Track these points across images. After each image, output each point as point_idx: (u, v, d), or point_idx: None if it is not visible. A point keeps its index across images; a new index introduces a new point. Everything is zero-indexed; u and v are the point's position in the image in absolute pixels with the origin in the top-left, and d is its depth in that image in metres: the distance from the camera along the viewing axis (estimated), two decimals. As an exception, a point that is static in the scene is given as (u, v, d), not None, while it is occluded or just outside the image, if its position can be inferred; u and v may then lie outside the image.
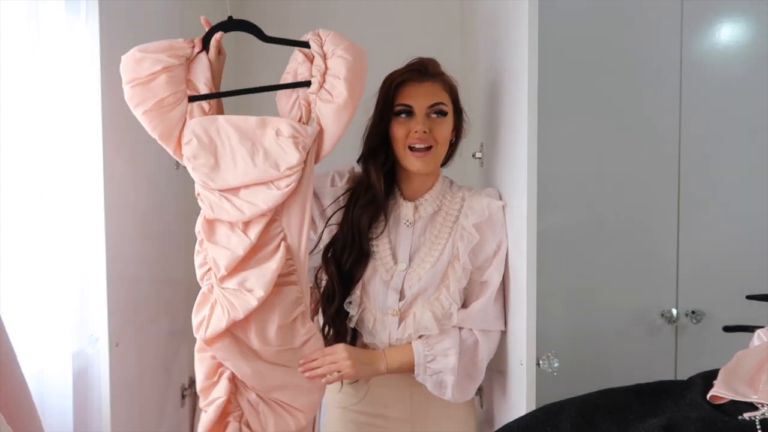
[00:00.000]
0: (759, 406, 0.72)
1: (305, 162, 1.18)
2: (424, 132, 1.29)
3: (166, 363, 1.56)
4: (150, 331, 1.46)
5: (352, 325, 1.34)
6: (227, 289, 1.18)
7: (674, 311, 2.07)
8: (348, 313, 1.34)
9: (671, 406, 0.79)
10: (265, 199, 1.17)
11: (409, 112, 1.31)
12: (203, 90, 1.20)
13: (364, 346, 1.37)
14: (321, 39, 1.20)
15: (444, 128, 1.33)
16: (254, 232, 1.18)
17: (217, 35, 1.21)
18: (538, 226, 1.19)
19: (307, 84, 1.21)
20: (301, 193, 1.21)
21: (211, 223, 1.21)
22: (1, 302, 1.02)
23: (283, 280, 1.22)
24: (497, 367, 1.35)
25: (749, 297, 1.60)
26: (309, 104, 1.22)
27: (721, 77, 2.04)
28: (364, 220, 1.33)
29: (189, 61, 1.20)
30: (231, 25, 1.22)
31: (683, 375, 0.86)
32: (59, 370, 1.12)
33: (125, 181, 1.32)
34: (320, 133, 1.21)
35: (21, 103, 1.06)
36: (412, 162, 1.31)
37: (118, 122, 1.28)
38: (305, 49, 1.22)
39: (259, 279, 1.18)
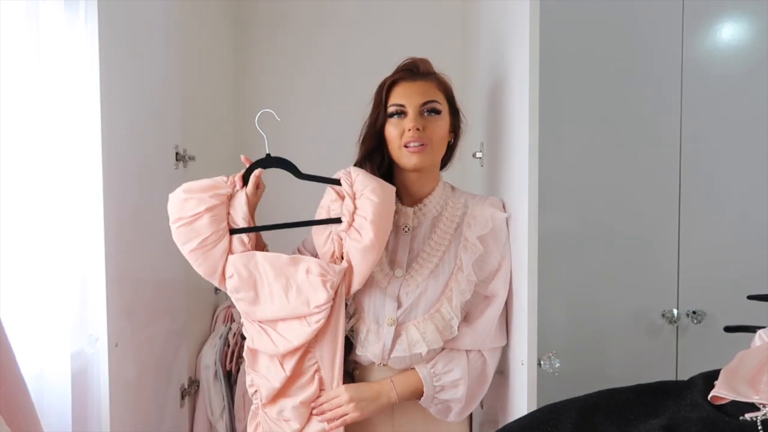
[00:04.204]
0: (760, 406, 0.72)
1: (335, 298, 1.22)
2: (418, 129, 1.24)
3: (166, 363, 1.56)
4: (149, 332, 1.45)
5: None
6: (269, 415, 1.27)
7: (675, 311, 2.07)
8: None
9: (672, 407, 0.78)
10: (298, 334, 1.22)
11: (403, 111, 1.27)
12: (241, 224, 1.25)
13: (355, 362, 1.33)
14: (351, 178, 1.25)
15: (439, 127, 1.28)
16: (289, 365, 1.23)
17: (257, 172, 1.26)
18: (539, 226, 1.19)
19: (338, 221, 1.25)
20: (331, 327, 1.24)
21: (254, 352, 1.28)
22: (1, 302, 1.02)
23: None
24: (498, 367, 1.34)
25: (750, 297, 1.60)
26: (341, 239, 1.26)
27: (721, 77, 2.04)
28: None
29: (229, 198, 1.25)
30: (269, 162, 1.27)
31: (684, 375, 0.86)
32: (58, 370, 1.12)
33: (124, 182, 1.32)
34: (349, 269, 1.25)
35: (20, 103, 1.06)
36: (407, 158, 1.26)
37: (117, 122, 1.28)
38: (337, 187, 1.27)
39: (295, 410, 1.24)
